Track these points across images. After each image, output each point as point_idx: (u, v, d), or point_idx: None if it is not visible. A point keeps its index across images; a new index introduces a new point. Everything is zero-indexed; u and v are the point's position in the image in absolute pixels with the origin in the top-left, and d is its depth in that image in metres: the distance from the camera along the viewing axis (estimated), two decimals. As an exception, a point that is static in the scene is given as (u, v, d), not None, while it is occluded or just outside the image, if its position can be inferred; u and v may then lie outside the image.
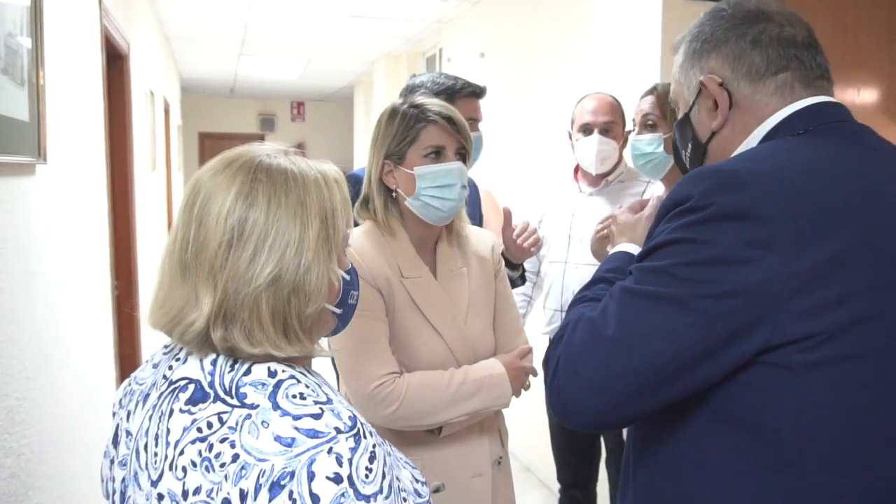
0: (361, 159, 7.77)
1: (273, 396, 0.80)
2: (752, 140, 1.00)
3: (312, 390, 0.82)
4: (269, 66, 8.00)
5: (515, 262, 1.96)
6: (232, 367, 0.82)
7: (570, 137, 2.40)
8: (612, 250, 1.20)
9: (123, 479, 0.86)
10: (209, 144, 10.75)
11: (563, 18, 3.69)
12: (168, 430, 0.81)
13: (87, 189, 2.42)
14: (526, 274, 2.13)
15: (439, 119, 1.41)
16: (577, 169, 2.47)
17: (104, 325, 2.61)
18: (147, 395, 0.87)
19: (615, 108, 2.34)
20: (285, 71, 8.26)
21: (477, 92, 2.00)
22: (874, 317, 0.84)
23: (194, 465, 0.77)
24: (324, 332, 0.93)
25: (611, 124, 2.31)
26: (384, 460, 0.80)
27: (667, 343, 0.86)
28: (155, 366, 0.90)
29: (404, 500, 0.84)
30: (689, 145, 1.08)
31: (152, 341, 3.57)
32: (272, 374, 0.82)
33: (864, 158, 0.95)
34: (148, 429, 0.84)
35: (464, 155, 1.45)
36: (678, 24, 2.45)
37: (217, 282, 0.80)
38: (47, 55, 1.85)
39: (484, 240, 1.61)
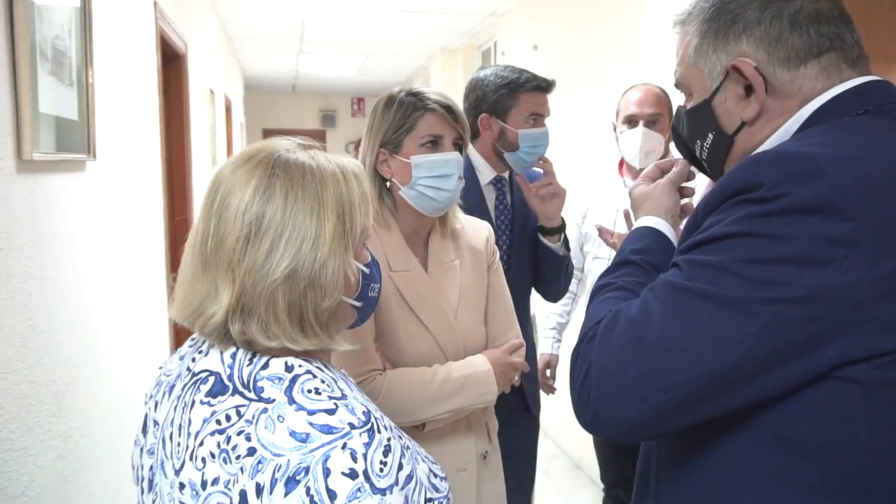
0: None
1: (289, 391, 0.81)
2: (792, 125, 0.88)
3: (328, 385, 0.83)
4: (327, 63, 8.12)
5: (549, 227, 1.93)
6: (251, 360, 0.84)
7: (615, 129, 2.34)
8: (634, 225, 1.08)
9: (151, 467, 0.89)
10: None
11: (615, 9, 3.61)
12: (189, 421, 0.83)
13: (141, 183, 2.51)
14: (573, 271, 2.09)
15: (438, 107, 1.38)
16: (621, 163, 2.42)
17: (159, 316, 2.71)
18: (172, 386, 0.89)
19: (662, 100, 2.27)
20: (344, 67, 8.37)
21: (542, 86, 1.90)
22: None
23: (213, 456, 0.79)
24: (343, 325, 0.93)
25: (657, 116, 2.24)
26: (401, 452, 0.81)
27: (725, 351, 0.75)
28: (181, 357, 0.93)
29: (431, 488, 0.84)
30: (711, 136, 0.96)
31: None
32: (289, 368, 0.83)
33: None
34: (173, 419, 0.86)
35: (460, 146, 1.43)
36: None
37: (235, 276, 0.82)
38: (97, 56, 1.93)
39: (479, 230, 1.58)
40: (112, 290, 2.03)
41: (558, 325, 2.58)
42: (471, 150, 1.95)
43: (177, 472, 0.82)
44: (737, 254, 0.76)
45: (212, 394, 0.83)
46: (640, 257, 0.99)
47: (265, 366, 0.83)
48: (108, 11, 2.16)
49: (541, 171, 2.01)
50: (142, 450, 0.93)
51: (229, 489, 0.78)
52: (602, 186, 2.46)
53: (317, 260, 0.83)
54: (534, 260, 2.00)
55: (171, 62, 3.61)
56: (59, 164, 1.64)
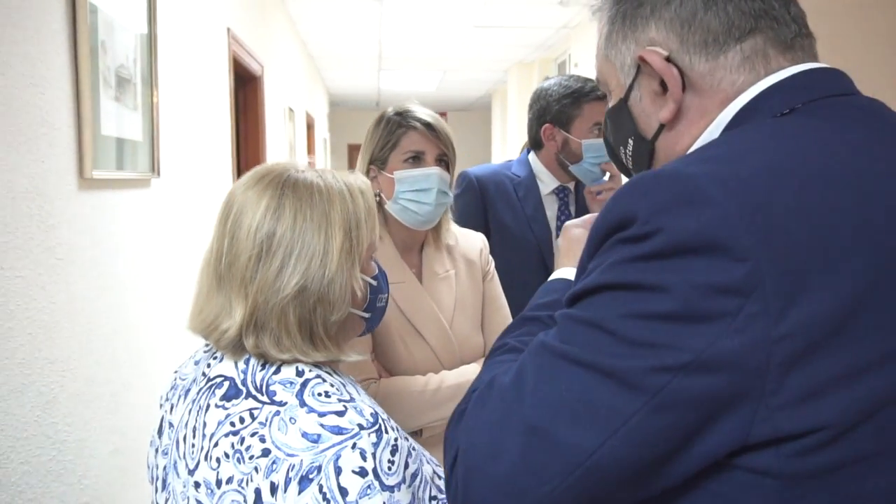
0: (495, 167, 7.85)
1: (300, 394, 0.85)
2: (714, 129, 0.72)
3: (337, 389, 0.87)
4: (407, 80, 8.32)
5: None
6: (263, 366, 0.89)
7: None
8: (552, 276, 0.92)
9: (165, 468, 0.95)
10: (357, 156, 11.31)
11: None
12: (205, 424, 0.88)
13: (209, 198, 2.68)
14: None
15: (419, 125, 1.43)
16: None
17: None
18: (188, 390, 0.95)
19: None
20: (423, 83, 8.55)
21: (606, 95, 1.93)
22: None
23: (227, 456, 0.84)
24: (352, 336, 0.99)
25: None
26: (407, 452, 0.86)
27: (606, 434, 0.58)
28: (196, 362, 0.99)
29: (435, 486, 0.89)
30: (630, 141, 0.80)
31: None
32: (300, 373, 0.88)
33: (883, 148, 0.65)
34: (188, 421, 0.91)
35: (446, 162, 1.47)
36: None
37: (248, 292, 0.87)
38: (163, 82, 2.09)
39: (473, 242, 1.61)
40: (172, 299, 2.18)
41: None
42: (533, 159, 1.98)
43: (191, 472, 0.88)
44: (612, 309, 0.60)
45: (226, 398, 0.88)
46: (546, 313, 0.80)
47: (277, 371, 0.88)
48: (180, 39, 2.33)
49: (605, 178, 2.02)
50: (157, 450, 0.99)
51: (243, 488, 0.83)
52: None
53: (325, 276, 0.88)
54: None
55: (248, 83, 3.82)
56: (121, 181, 1.79)
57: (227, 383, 0.89)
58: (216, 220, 0.93)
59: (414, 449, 0.88)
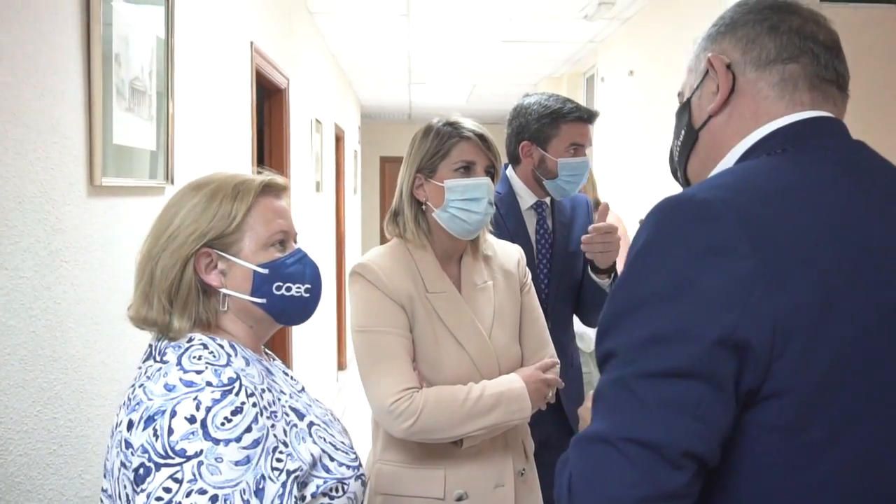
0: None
1: (181, 356, 1.03)
2: (730, 159, 0.92)
3: (214, 355, 1.04)
4: (437, 93, 8.40)
5: (600, 267, 1.93)
6: (170, 337, 1.09)
7: None
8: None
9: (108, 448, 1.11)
10: (389, 168, 11.44)
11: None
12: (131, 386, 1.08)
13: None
14: None
15: (472, 136, 1.47)
16: None
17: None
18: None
19: None
20: (453, 97, 8.61)
21: (584, 117, 1.94)
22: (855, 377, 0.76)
23: (124, 404, 1.03)
24: (261, 324, 1.14)
25: None
26: (253, 418, 0.98)
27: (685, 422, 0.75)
28: None
29: (277, 459, 1.00)
30: (683, 131, 1.00)
31: (299, 343, 3.94)
32: (190, 340, 1.07)
33: (852, 179, 0.85)
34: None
35: (492, 173, 1.49)
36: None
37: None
38: (179, 94, 2.17)
39: (510, 253, 1.63)
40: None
41: None
42: (511, 174, 2.01)
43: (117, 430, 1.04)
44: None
45: (144, 360, 1.09)
46: None
47: (176, 338, 1.08)
48: (200, 53, 2.42)
49: (585, 196, 2.04)
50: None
51: (120, 428, 1.00)
52: None
53: (158, 248, 1.11)
54: (576, 283, 2.02)
55: (273, 96, 3.92)
56: (133, 189, 1.86)
57: (148, 350, 1.11)
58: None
59: (294, 426, 1.06)
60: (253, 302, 1.10)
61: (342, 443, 1.16)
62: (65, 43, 1.51)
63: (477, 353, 1.48)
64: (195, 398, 0.96)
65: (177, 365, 1.01)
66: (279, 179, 1.18)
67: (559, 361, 1.59)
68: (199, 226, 1.08)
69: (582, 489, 0.76)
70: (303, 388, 1.24)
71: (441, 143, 1.49)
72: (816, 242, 0.78)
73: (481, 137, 1.48)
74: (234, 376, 1.00)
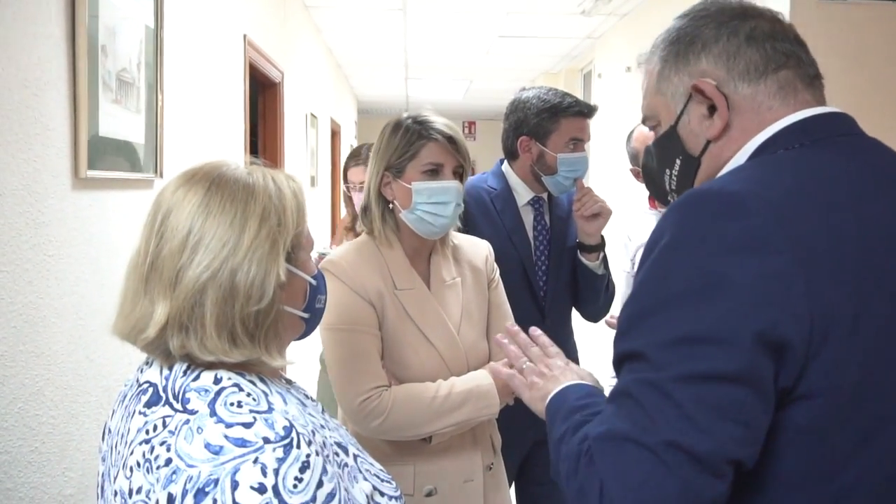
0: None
1: (213, 403, 0.83)
2: (742, 155, 0.89)
3: (254, 399, 0.85)
4: (434, 88, 8.37)
5: (589, 244, 1.92)
6: (185, 373, 0.87)
7: (638, 176, 2.27)
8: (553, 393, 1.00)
9: (103, 474, 0.94)
10: (385, 163, 11.41)
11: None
12: (128, 431, 0.87)
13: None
14: (614, 291, 2.07)
15: (440, 137, 1.43)
16: (651, 197, 2.39)
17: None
18: (125, 396, 0.94)
19: None
20: (450, 92, 8.59)
21: (584, 111, 1.90)
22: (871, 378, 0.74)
23: (139, 465, 0.82)
24: (290, 337, 0.97)
25: None
26: (322, 469, 0.82)
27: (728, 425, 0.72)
28: (140, 369, 0.97)
29: None
30: (678, 161, 0.96)
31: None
32: (217, 381, 0.86)
33: (874, 175, 0.83)
34: (119, 428, 0.90)
35: (461, 174, 1.47)
36: (810, 29, 2.26)
37: (170, 292, 0.85)
38: (168, 86, 2.14)
39: (478, 249, 1.61)
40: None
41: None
42: (507, 170, 1.98)
43: (113, 480, 0.87)
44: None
45: (148, 404, 0.86)
46: (589, 412, 0.90)
47: (196, 377, 0.86)
48: (192, 46, 2.39)
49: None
50: (103, 457, 0.98)
51: (149, 498, 0.80)
52: (640, 226, 2.43)
53: (231, 266, 0.85)
54: (573, 279, 2.00)
55: (267, 89, 3.89)
56: (120, 181, 1.84)
57: (150, 389, 0.88)
58: (144, 223, 0.92)
59: (348, 465, 0.87)
60: (300, 317, 0.96)
61: (381, 470, 1.04)
62: (49, 33, 1.49)
63: (446, 349, 1.46)
64: (256, 460, 0.78)
65: (212, 416, 0.81)
66: (299, 179, 1.05)
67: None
68: (281, 232, 0.90)
69: (618, 496, 0.72)
70: (323, 409, 1.07)
71: (409, 144, 1.45)
72: (846, 237, 0.75)
73: (450, 139, 1.44)
74: (288, 424, 0.82)
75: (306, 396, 1.04)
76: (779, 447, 0.74)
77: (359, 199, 2.58)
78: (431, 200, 1.44)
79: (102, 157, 1.71)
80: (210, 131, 2.66)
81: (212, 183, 0.91)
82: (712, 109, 0.90)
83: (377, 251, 1.49)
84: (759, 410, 0.72)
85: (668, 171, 0.98)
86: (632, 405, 0.75)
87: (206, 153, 2.61)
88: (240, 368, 0.89)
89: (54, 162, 1.51)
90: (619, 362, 0.79)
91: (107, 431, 0.96)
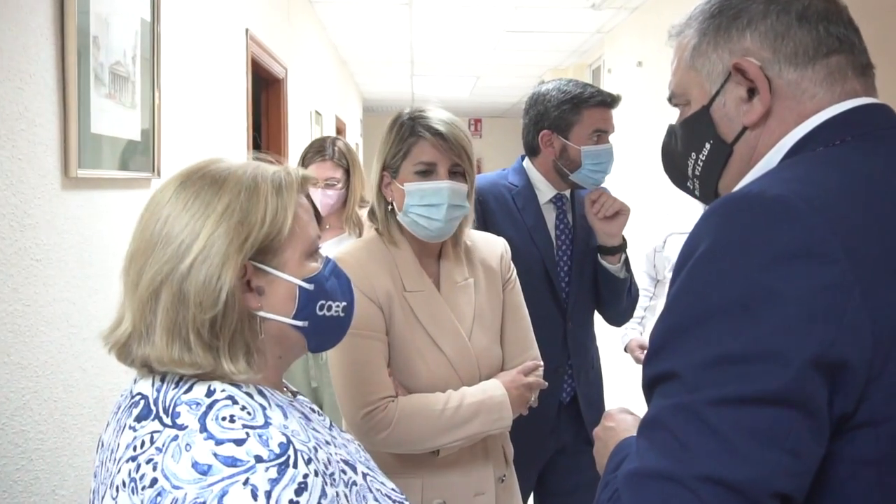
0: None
1: (203, 417, 0.76)
2: (775, 153, 0.80)
3: (249, 413, 0.77)
4: (440, 85, 8.27)
5: (610, 245, 1.82)
6: (177, 383, 0.80)
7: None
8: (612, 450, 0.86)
9: (94, 491, 0.87)
10: (391, 161, 11.32)
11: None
12: (118, 446, 0.80)
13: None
14: (637, 294, 1.97)
15: (427, 134, 1.33)
16: None
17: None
18: (119, 408, 0.87)
19: None
20: (456, 89, 8.49)
21: (608, 101, 1.81)
22: None
23: (124, 485, 0.76)
24: (286, 350, 0.88)
25: None
26: (322, 492, 0.75)
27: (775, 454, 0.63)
28: (135, 378, 0.89)
29: None
30: (707, 146, 0.86)
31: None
32: (210, 393, 0.78)
33: None
34: (110, 443, 0.84)
35: (461, 173, 1.36)
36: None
37: (134, 294, 0.80)
38: (167, 80, 2.05)
39: (493, 248, 1.51)
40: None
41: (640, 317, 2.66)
42: (528, 166, 1.89)
43: (101, 499, 0.80)
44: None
45: (139, 418, 0.79)
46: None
47: (189, 389, 0.79)
48: (191, 39, 2.29)
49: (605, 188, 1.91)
50: (95, 473, 0.91)
51: None
52: (681, 213, 2.44)
53: (182, 268, 0.78)
54: (596, 281, 1.90)
55: (270, 86, 3.79)
56: (115, 181, 1.74)
57: (142, 402, 0.80)
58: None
59: (356, 485, 0.78)
60: (293, 326, 0.86)
61: (393, 489, 0.96)
62: (35, 22, 1.39)
63: (456, 355, 1.37)
64: (246, 482, 0.70)
65: (202, 432, 0.74)
66: (309, 172, 0.95)
67: (542, 364, 1.48)
68: (243, 230, 0.81)
69: None
70: (331, 424, 0.98)
71: (402, 141, 1.36)
72: None
73: (440, 136, 1.33)
74: (285, 441, 0.74)
75: (312, 410, 0.96)
76: (836, 481, 0.65)
77: (323, 198, 2.45)
78: (423, 203, 1.34)
79: (95, 154, 1.62)
80: (211, 128, 2.56)
81: (187, 178, 0.83)
82: (751, 93, 0.81)
83: (386, 250, 1.40)
84: (810, 438, 0.63)
85: (693, 154, 0.89)
86: (664, 435, 0.65)
87: (207, 151, 2.51)
88: (230, 379, 0.81)
89: (42, 160, 1.42)
90: (651, 386, 0.70)
91: (100, 445, 0.89)
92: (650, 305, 2.45)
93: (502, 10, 4.90)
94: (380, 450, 1.31)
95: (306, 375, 2.46)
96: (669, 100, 0.93)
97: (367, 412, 1.29)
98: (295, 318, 0.86)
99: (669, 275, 2.54)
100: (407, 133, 1.35)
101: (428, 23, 5.33)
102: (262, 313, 0.83)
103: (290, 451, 0.74)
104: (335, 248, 2.21)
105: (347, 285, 0.94)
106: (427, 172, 1.35)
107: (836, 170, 0.72)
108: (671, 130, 0.94)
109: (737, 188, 0.82)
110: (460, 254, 1.46)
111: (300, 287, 0.86)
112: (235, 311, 0.80)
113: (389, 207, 1.41)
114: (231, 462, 0.71)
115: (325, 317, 0.89)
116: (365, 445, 1.30)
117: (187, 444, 0.73)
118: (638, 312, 2.42)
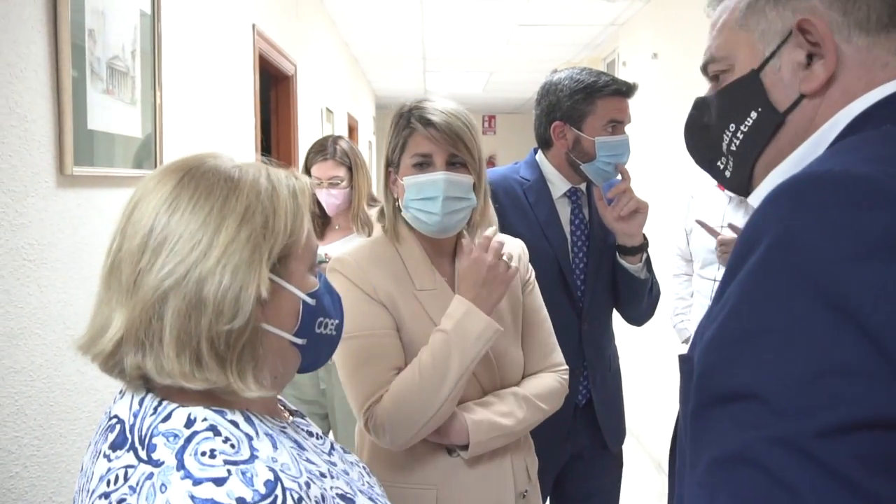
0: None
1: (181, 452, 0.68)
2: (830, 128, 0.71)
3: (232, 446, 0.70)
4: (453, 81, 8.21)
5: (629, 245, 1.74)
6: (155, 409, 0.72)
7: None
8: None
9: None
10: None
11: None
12: (92, 475, 0.73)
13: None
14: (658, 293, 1.89)
15: (419, 126, 1.27)
16: None
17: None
18: (99, 428, 0.79)
19: None
20: (469, 85, 8.42)
21: (623, 90, 1.72)
22: None
23: None
24: (283, 366, 0.80)
25: None
26: None
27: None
28: (115, 397, 0.82)
29: None
30: (754, 114, 0.76)
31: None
32: (189, 423, 0.71)
33: None
34: (87, 469, 0.77)
35: (462, 164, 1.29)
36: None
37: (128, 299, 0.72)
38: (170, 76, 2.00)
39: (511, 248, 1.44)
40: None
41: (683, 311, 2.70)
42: (541, 159, 1.82)
43: None
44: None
45: (113, 446, 0.72)
46: None
47: (167, 417, 0.71)
48: (195, 35, 2.25)
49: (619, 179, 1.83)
50: (73, 500, 0.84)
51: None
52: (707, 195, 2.54)
53: (199, 273, 0.71)
54: (614, 279, 1.82)
55: (279, 83, 3.75)
56: (113, 179, 1.70)
57: (118, 427, 0.73)
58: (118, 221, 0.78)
59: None
60: (292, 343, 0.80)
61: None
62: (26, 13, 1.35)
63: None
64: None
65: (179, 470, 0.67)
66: (305, 178, 0.87)
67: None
68: (268, 236, 0.74)
69: None
70: (331, 448, 0.91)
71: (399, 134, 1.31)
72: None
73: (434, 126, 1.26)
74: (272, 478, 0.67)
75: (309, 434, 0.88)
76: None
77: (328, 198, 2.43)
78: (420, 196, 1.28)
79: (92, 151, 1.57)
80: (217, 125, 2.52)
81: (186, 174, 0.76)
82: (810, 59, 0.72)
83: (393, 249, 1.34)
84: None
85: (732, 126, 0.78)
86: (764, 481, 0.51)
87: (213, 148, 2.47)
88: (219, 402, 0.74)
89: (35, 157, 1.37)
90: (711, 405, 0.56)
91: (81, 468, 0.82)
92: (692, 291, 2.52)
93: (515, 3, 4.83)
94: (397, 449, 1.26)
95: (315, 377, 2.41)
96: (704, 68, 0.82)
97: (367, 418, 1.25)
98: (296, 334, 0.80)
99: (697, 267, 2.54)
100: (403, 125, 1.31)
101: (440, 17, 5.27)
102: (266, 326, 0.76)
103: (278, 491, 0.67)
104: (343, 248, 2.17)
105: (339, 302, 0.88)
106: (423, 164, 1.29)
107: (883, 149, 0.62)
108: (700, 103, 0.84)
109: (782, 167, 0.73)
110: None
111: (304, 302, 0.80)
112: (249, 324, 0.73)
113: (396, 204, 1.36)
114: None
115: (321, 335, 0.83)
116: (384, 447, 1.26)
117: (162, 485, 0.66)
118: (680, 303, 2.50)
